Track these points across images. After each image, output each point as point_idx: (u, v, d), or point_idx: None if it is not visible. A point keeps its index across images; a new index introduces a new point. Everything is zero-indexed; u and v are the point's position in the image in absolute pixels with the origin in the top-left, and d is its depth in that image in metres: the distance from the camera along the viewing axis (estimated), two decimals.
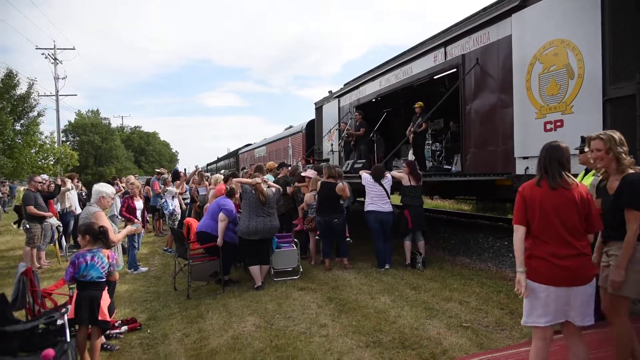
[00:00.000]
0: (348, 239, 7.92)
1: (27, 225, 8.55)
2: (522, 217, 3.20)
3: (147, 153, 60.48)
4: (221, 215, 6.69)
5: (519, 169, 7.25)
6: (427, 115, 9.88)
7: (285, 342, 4.63)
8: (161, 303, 6.26)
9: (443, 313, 5.28)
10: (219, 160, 41.39)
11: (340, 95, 14.35)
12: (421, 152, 10.44)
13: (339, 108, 14.38)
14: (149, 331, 5.23)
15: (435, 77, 10.02)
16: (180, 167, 24.08)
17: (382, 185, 7.54)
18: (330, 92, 15.54)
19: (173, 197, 10.07)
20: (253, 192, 6.59)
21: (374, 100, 12.32)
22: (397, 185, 7.92)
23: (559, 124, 6.58)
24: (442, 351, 4.28)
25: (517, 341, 4.44)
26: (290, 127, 25.05)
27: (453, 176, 8.73)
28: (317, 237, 8.01)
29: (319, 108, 16.19)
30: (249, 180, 6.81)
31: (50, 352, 3.49)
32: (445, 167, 10.32)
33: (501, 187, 7.84)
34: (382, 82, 11.76)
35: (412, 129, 10.19)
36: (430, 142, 10.68)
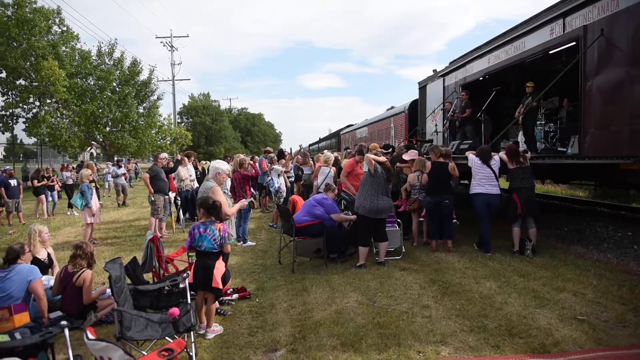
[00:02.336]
0: (455, 220, 7.73)
1: (152, 198, 9.43)
2: None
3: (253, 133, 63.26)
4: (336, 216, 6.93)
5: None
6: (540, 94, 9.21)
7: (387, 320, 4.69)
8: (268, 275, 6.63)
9: (555, 303, 4.99)
10: (320, 140, 42.13)
11: (445, 74, 13.84)
12: (531, 133, 9.79)
13: (443, 87, 13.89)
14: (257, 300, 5.58)
15: (551, 52, 9.27)
16: (283, 147, 24.94)
17: (489, 166, 7.23)
18: (434, 71, 15.06)
19: (279, 175, 10.49)
20: (383, 171, 6.63)
21: (481, 78, 11.73)
22: (504, 168, 7.54)
23: None
24: (553, 342, 4.07)
25: None
26: (392, 107, 24.72)
27: (569, 159, 8.08)
28: (420, 219, 7.89)
29: (422, 88, 15.78)
30: (381, 158, 6.84)
31: (175, 310, 3.87)
32: (559, 149, 9.58)
33: (626, 172, 7.10)
34: (490, 59, 11.13)
35: (521, 109, 9.57)
36: (543, 122, 9.97)
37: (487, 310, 4.86)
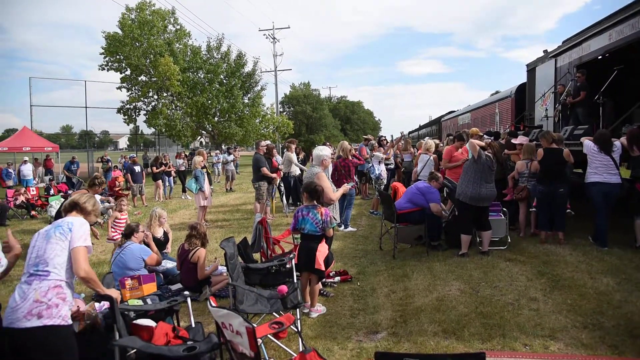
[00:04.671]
0: (569, 210, 7.25)
1: (257, 184, 9.95)
2: None
3: (352, 121, 63.43)
4: (434, 206, 6.80)
5: None
6: None
7: (491, 311, 4.58)
8: (369, 260, 6.74)
9: None
10: (420, 128, 41.19)
11: (557, 54, 12.83)
12: None
13: (555, 69, 12.89)
14: (358, 284, 5.72)
15: None
16: (383, 134, 24.84)
17: (608, 153, 6.65)
18: (545, 51, 14.04)
19: (380, 162, 10.53)
20: (487, 157, 6.44)
21: (600, 57, 10.72)
22: (626, 155, 6.89)
23: None
24: None
25: None
26: (497, 92, 23.48)
27: None
28: (532, 209, 7.49)
29: (531, 70, 14.79)
30: (484, 143, 6.65)
31: (284, 287, 4.14)
32: None
33: None
34: (612, 35, 10.11)
35: None
36: None
37: (603, 308, 4.54)
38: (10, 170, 17.50)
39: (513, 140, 8.15)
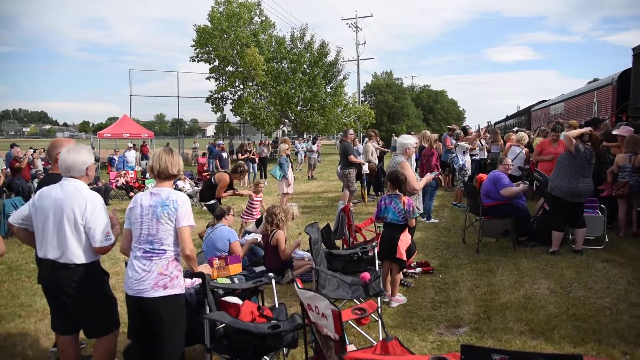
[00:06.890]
0: None
1: (347, 172, 10.00)
2: None
3: (435, 111, 61.59)
4: (505, 191, 6.47)
5: None
6: None
7: (584, 313, 4.31)
8: (451, 253, 6.58)
9: None
10: (507, 118, 39.21)
11: None
12: None
13: None
14: (440, 276, 5.61)
15: None
16: (467, 124, 23.95)
17: None
18: None
19: (464, 152, 10.17)
20: (586, 150, 5.99)
21: None
22: None
23: None
24: None
25: None
26: (595, 80, 21.72)
27: None
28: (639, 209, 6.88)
29: (637, 54, 13.51)
30: (584, 130, 6.19)
31: (366, 275, 4.17)
32: None
33: None
34: None
35: None
36: None
37: None
38: (115, 157, 19.16)
39: (614, 132, 7.52)
